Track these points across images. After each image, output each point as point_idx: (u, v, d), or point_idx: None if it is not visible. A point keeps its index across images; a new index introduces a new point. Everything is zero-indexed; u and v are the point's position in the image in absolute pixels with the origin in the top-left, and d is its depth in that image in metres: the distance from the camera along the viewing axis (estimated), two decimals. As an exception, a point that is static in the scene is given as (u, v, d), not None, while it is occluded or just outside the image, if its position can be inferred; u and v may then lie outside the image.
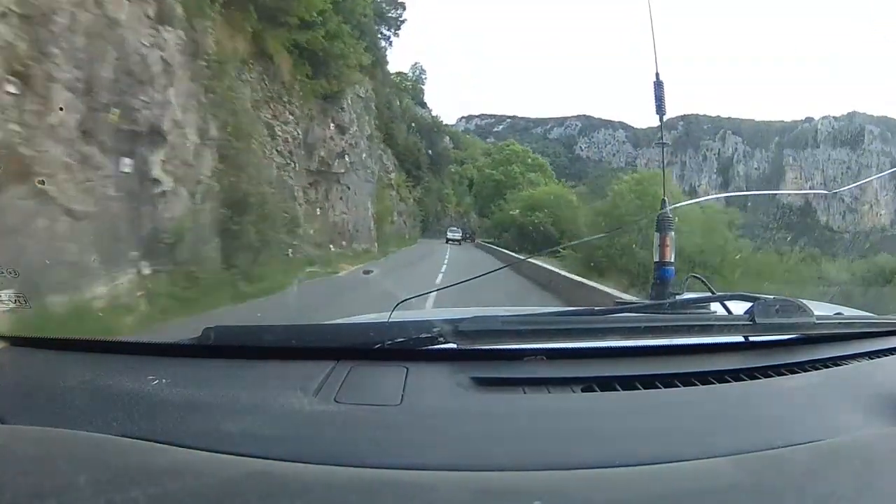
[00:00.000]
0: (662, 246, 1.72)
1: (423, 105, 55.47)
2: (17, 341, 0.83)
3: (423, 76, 60.65)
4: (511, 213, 30.59)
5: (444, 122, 56.73)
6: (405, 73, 55.76)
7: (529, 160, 49.92)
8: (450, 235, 38.11)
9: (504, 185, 43.15)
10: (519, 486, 0.50)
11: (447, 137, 55.57)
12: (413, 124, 43.66)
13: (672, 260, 1.68)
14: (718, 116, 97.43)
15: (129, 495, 0.45)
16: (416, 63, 73.56)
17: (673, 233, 1.77)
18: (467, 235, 41.33)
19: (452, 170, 56.70)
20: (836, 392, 0.76)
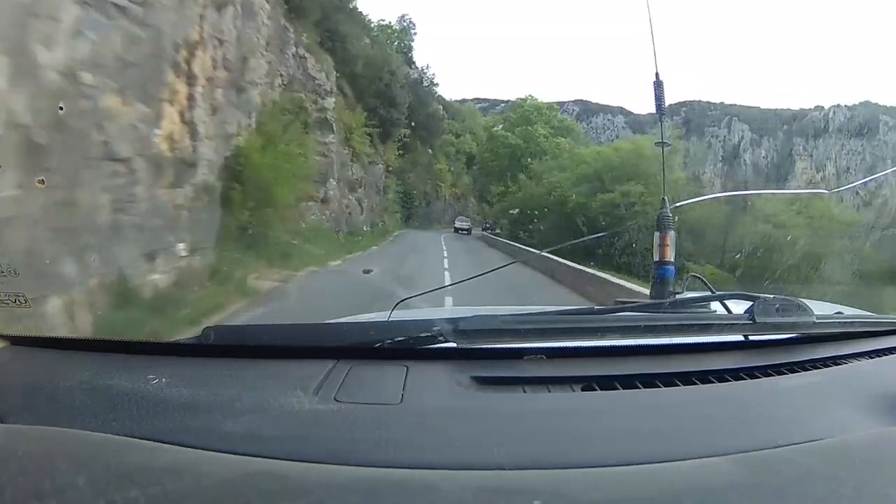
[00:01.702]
0: (662, 245, 1.72)
1: (411, 63, 39.02)
2: (17, 341, 0.83)
3: (413, 30, 43.04)
4: (552, 190, 18.17)
5: (434, 77, 42.77)
6: (389, 24, 40.05)
7: (556, 122, 34.57)
8: (458, 225, 31.57)
9: (524, 152, 29.93)
10: (519, 486, 0.50)
11: (441, 107, 41.77)
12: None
13: (672, 259, 1.68)
14: (723, 103, 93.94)
15: (128, 495, 0.45)
16: (403, 15, 52.85)
17: (673, 232, 1.77)
18: (487, 226, 31.24)
19: (446, 139, 43.31)
20: (836, 391, 0.76)
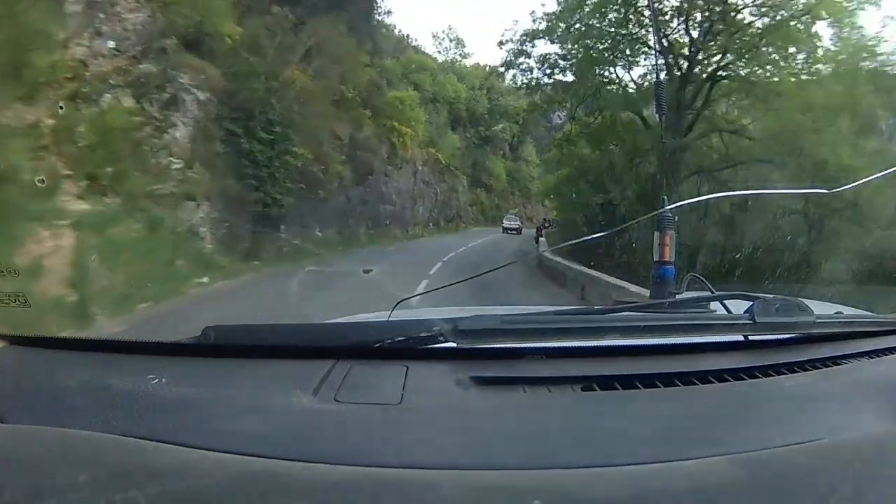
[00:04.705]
0: (662, 245, 1.73)
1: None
2: (17, 341, 0.83)
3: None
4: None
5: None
6: None
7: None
8: (506, 224, 24.67)
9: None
10: (519, 486, 0.50)
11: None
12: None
13: (672, 259, 1.68)
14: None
15: (128, 495, 0.45)
16: None
17: (673, 231, 1.77)
18: (547, 224, 20.75)
19: (418, 77, 26.48)
20: (836, 391, 0.76)
